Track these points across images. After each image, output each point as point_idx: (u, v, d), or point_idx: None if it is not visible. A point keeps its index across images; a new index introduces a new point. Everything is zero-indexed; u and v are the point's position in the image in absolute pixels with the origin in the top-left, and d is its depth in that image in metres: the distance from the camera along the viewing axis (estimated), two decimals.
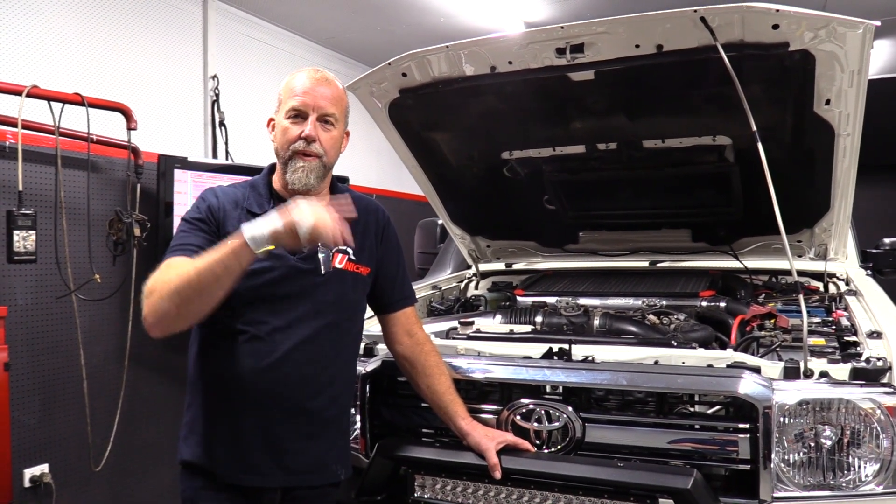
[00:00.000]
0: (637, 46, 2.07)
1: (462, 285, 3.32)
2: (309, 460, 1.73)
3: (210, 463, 1.69)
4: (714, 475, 1.77)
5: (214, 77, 4.34)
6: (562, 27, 2.08)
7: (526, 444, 1.86)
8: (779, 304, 2.48)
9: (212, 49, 4.35)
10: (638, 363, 1.89)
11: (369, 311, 1.95)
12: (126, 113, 3.30)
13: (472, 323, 2.43)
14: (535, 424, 1.88)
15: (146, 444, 3.52)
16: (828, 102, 2.10)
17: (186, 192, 3.47)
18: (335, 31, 5.15)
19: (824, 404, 1.68)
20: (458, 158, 2.82)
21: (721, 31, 1.94)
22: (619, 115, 2.43)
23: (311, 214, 1.45)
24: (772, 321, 2.25)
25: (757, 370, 1.76)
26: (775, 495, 1.66)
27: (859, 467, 1.67)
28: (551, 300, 2.71)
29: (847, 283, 2.65)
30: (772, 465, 1.66)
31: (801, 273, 2.58)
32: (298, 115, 1.72)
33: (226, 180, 2.72)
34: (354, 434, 2.06)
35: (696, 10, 1.92)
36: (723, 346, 2.15)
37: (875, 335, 1.95)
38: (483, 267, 3.33)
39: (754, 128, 1.92)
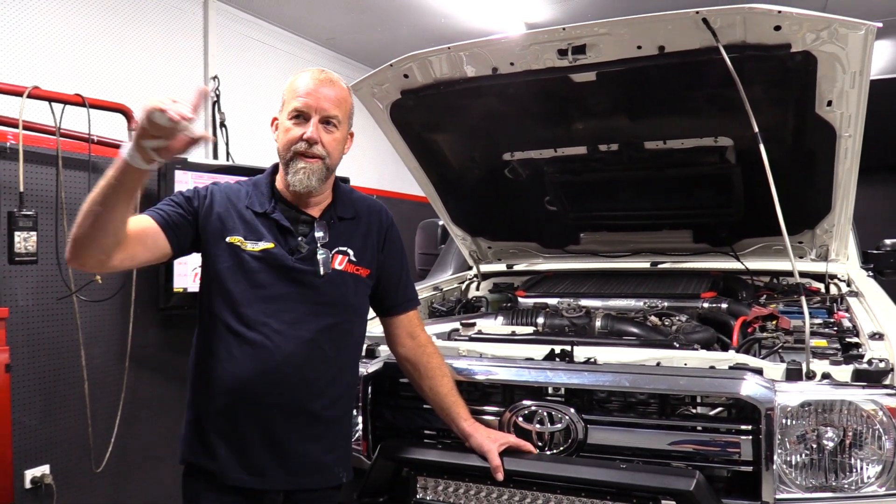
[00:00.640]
0: (639, 48, 2.07)
1: (463, 286, 3.32)
2: (310, 462, 1.73)
3: (212, 464, 1.68)
4: (716, 477, 1.77)
5: (215, 78, 4.34)
6: (563, 28, 2.08)
7: (528, 446, 1.86)
8: (780, 306, 2.48)
9: (212, 50, 4.35)
10: (640, 365, 1.89)
11: (371, 313, 1.94)
12: (127, 114, 3.30)
13: (473, 324, 2.43)
14: (538, 426, 1.88)
15: (147, 444, 3.51)
16: (829, 104, 2.10)
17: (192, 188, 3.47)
18: (336, 32, 5.15)
19: (826, 406, 1.68)
20: (459, 159, 2.82)
21: (723, 32, 1.94)
22: (621, 117, 2.43)
23: (153, 99, 1.39)
24: (773, 322, 2.25)
25: (759, 372, 1.76)
26: (777, 497, 1.66)
27: (861, 469, 1.66)
28: (553, 301, 2.71)
29: (848, 285, 2.65)
30: (774, 467, 1.66)
31: (802, 274, 2.57)
32: (301, 116, 1.72)
33: (227, 181, 2.72)
34: (356, 436, 2.05)
35: (697, 12, 1.92)
36: (725, 348, 2.15)
37: (877, 336, 1.94)
38: (484, 268, 3.33)
39: (756, 129, 1.92)
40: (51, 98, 2.99)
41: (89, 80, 3.55)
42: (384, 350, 2.13)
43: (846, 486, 1.66)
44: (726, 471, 1.77)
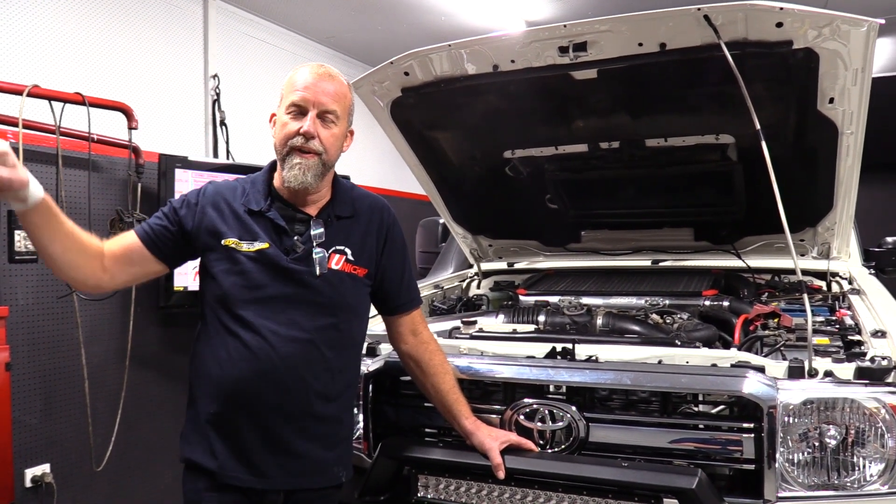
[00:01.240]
0: (640, 45, 2.06)
1: (464, 285, 3.32)
2: (311, 462, 1.72)
3: (212, 464, 1.68)
4: (718, 475, 1.77)
5: (215, 76, 4.34)
6: (564, 26, 2.07)
7: (529, 444, 1.85)
8: (782, 304, 2.48)
9: (212, 48, 4.35)
10: (642, 363, 1.88)
11: (373, 311, 1.93)
12: (127, 112, 3.30)
13: (474, 322, 2.42)
14: (539, 424, 1.88)
15: (148, 443, 3.51)
16: (831, 101, 2.10)
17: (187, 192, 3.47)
18: (336, 30, 5.15)
19: (829, 404, 1.67)
20: (460, 157, 2.82)
21: (724, 29, 1.94)
22: (622, 114, 2.42)
23: None
24: (775, 320, 2.24)
25: (761, 370, 1.76)
26: (780, 495, 1.66)
27: (864, 467, 1.66)
28: (554, 299, 2.71)
29: (850, 282, 2.65)
30: (776, 465, 1.66)
31: (804, 272, 2.57)
32: (298, 110, 1.69)
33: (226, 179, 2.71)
34: (357, 434, 2.05)
35: (699, 9, 1.91)
36: (726, 346, 2.15)
37: (879, 334, 1.94)
38: (485, 266, 3.33)
39: (758, 126, 1.92)
40: (51, 97, 2.99)
41: (89, 78, 3.55)
42: (385, 348, 2.13)
43: (848, 484, 1.66)
44: (728, 469, 1.76)
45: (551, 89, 2.33)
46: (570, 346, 1.96)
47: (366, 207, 1.85)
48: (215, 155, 4.29)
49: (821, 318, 2.24)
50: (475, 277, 3.33)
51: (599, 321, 2.38)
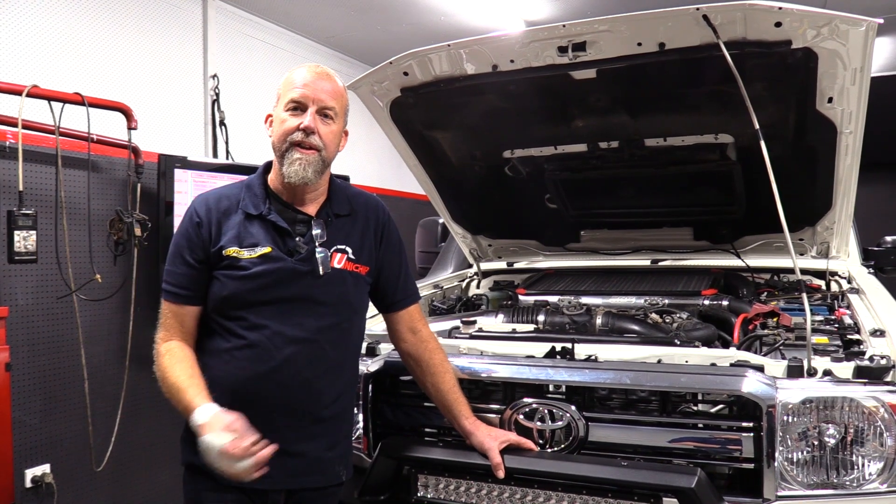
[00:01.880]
0: (639, 45, 2.06)
1: (463, 284, 3.32)
2: (312, 461, 1.72)
3: None
4: (718, 474, 1.77)
5: (214, 76, 4.34)
6: (563, 25, 2.08)
7: (529, 444, 1.86)
8: (781, 303, 2.48)
9: (212, 48, 4.35)
10: (641, 362, 1.89)
11: (372, 310, 1.94)
12: (126, 112, 3.30)
13: (474, 322, 2.43)
14: (539, 424, 1.88)
15: (148, 443, 3.51)
16: (830, 100, 2.10)
17: (187, 192, 3.47)
18: (335, 31, 5.15)
19: (828, 403, 1.68)
20: (459, 157, 2.82)
21: (723, 28, 1.94)
22: (621, 114, 2.42)
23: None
24: (774, 319, 2.25)
25: (760, 369, 1.76)
26: (779, 494, 1.66)
27: (863, 466, 1.66)
28: (553, 299, 2.71)
29: (849, 282, 2.65)
30: (775, 464, 1.66)
31: (803, 271, 2.57)
32: (298, 107, 1.70)
33: (226, 180, 2.71)
34: (357, 434, 2.05)
35: (698, 8, 1.91)
36: (726, 345, 2.15)
37: (878, 333, 1.95)
38: (484, 266, 3.33)
39: (757, 126, 1.92)
40: (50, 97, 2.99)
41: (89, 78, 3.55)
42: (385, 348, 2.13)
43: (847, 482, 1.66)
44: (728, 468, 1.77)
45: (550, 89, 2.33)
46: (569, 345, 1.96)
47: (361, 205, 1.86)
48: (215, 155, 4.29)
49: (820, 318, 2.25)
50: (475, 277, 3.33)
51: (599, 321, 2.38)
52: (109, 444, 3.20)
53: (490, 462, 1.80)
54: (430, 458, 1.93)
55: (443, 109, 2.57)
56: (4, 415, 2.71)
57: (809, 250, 2.76)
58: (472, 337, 2.24)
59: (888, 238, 3.19)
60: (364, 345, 2.04)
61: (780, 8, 1.86)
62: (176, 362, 1.69)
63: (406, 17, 4.86)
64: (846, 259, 2.82)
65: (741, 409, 1.79)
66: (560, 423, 1.86)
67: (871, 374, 1.69)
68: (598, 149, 2.58)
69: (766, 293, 2.73)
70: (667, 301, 2.60)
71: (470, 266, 3.37)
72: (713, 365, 1.83)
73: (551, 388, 1.94)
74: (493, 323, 2.48)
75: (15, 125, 2.84)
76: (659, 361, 1.88)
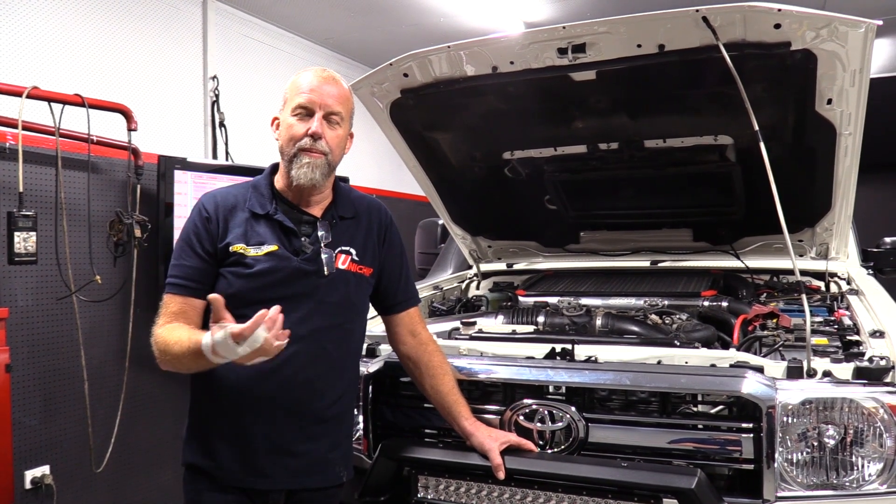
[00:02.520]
0: (639, 46, 2.07)
1: (463, 285, 3.32)
2: (313, 461, 1.73)
3: (214, 465, 1.68)
4: (718, 475, 1.77)
5: (214, 78, 4.34)
6: (563, 27, 2.08)
7: (529, 445, 1.86)
8: (781, 304, 2.48)
9: (211, 50, 4.35)
10: (641, 363, 1.89)
11: (372, 311, 1.94)
12: (126, 114, 3.30)
13: (474, 323, 2.43)
14: (539, 425, 1.88)
15: (147, 445, 3.51)
16: (829, 102, 2.10)
17: (187, 193, 3.47)
18: (335, 32, 5.15)
19: (827, 404, 1.68)
20: (459, 158, 2.82)
21: (723, 30, 1.94)
22: (621, 115, 2.42)
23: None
24: (774, 321, 2.25)
25: (760, 370, 1.76)
26: (779, 495, 1.66)
27: (862, 466, 1.67)
28: (553, 300, 2.71)
29: (848, 283, 2.65)
30: (775, 465, 1.66)
31: (802, 272, 2.57)
32: (305, 112, 1.72)
33: (226, 181, 2.72)
34: (357, 435, 2.05)
35: (697, 10, 1.92)
36: (725, 346, 2.15)
37: (877, 334, 1.95)
38: (484, 267, 3.33)
39: (756, 127, 1.92)
40: (50, 98, 2.99)
41: (88, 80, 3.55)
42: (385, 349, 2.13)
43: (847, 483, 1.66)
44: (727, 469, 1.77)
45: (550, 90, 2.33)
46: (569, 346, 1.97)
47: (365, 208, 1.88)
48: (214, 156, 4.29)
49: (819, 319, 2.25)
50: (474, 278, 3.33)
51: (598, 322, 2.38)
52: (109, 446, 3.20)
53: (490, 463, 1.80)
54: (430, 459, 1.93)
55: (443, 111, 2.57)
56: (4, 416, 2.71)
57: (809, 251, 2.76)
58: (471, 338, 2.24)
59: (887, 239, 3.19)
60: (364, 346, 2.04)
61: (780, 10, 1.87)
62: (176, 328, 1.65)
63: (406, 19, 4.86)
64: (845, 260, 2.82)
65: (741, 410, 1.79)
66: (560, 424, 1.86)
67: (871, 375, 1.69)
68: (597, 150, 2.58)
69: (765, 294, 2.73)
70: (666, 302, 2.60)
71: (469, 267, 3.37)
72: (713, 366, 1.83)
73: (551, 389, 1.94)
74: (493, 324, 2.48)
75: (15, 126, 2.84)
76: (659, 362, 1.88)
